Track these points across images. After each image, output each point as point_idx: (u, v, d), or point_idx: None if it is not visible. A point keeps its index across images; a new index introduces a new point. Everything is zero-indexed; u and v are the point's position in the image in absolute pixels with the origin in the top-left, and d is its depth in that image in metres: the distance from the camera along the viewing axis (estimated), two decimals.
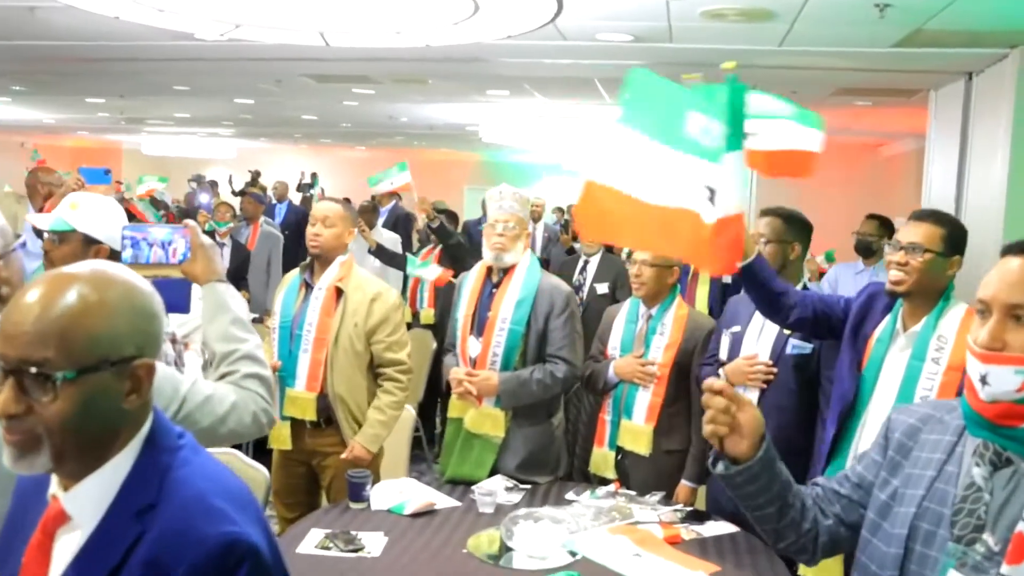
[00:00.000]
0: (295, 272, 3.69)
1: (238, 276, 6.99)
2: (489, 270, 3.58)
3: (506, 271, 3.51)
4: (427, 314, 6.55)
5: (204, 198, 10.38)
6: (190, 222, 2.25)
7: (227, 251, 7.21)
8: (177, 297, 2.21)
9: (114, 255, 2.88)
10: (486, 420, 3.44)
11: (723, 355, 3.34)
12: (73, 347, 1.18)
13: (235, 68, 7.22)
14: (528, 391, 3.41)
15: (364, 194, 12.82)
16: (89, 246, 2.76)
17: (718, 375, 3.25)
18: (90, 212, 2.77)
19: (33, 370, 1.16)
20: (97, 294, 1.22)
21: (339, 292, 3.50)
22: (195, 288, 2.24)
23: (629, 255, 7.10)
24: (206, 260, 2.15)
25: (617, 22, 4.60)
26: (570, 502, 3.22)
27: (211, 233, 6.99)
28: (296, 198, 12.17)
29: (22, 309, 1.19)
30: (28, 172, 5.42)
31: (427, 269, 5.98)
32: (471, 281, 3.61)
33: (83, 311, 1.20)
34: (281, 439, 3.56)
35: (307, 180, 13.03)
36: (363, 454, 3.44)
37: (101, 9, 4.32)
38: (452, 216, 7.29)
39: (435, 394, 6.35)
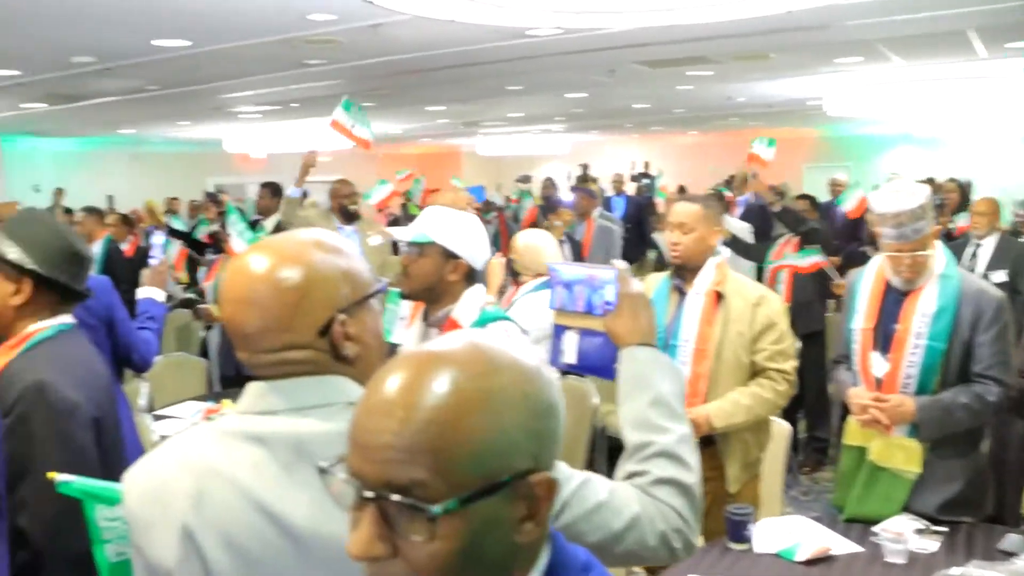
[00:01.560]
0: (662, 276, 3.35)
1: None
2: None
3: None
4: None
5: (564, 196, 10.42)
6: (621, 263, 1.73)
7: (567, 248, 7.13)
8: (599, 357, 1.73)
9: (472, 274, 2.72)
10: (897, 452, 2.86)
11: None
12: (453, 465, 0.84)
13: (567, 62, 7.18)
14: (952, 420, 2.79)
15: (700, 181, 12.42)
16: (447, 260, 2.65)
17: None
18: (450, 225, 2.67)
19: (399, 498, 0.84)
20: (478, 383, 0.87)
21: (718, 297, 3.12)
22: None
23: None
24: (631, 316, 1.62)
25: None
26: (1007, 555, 2.59)
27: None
28: (630, 189, 12.00)
29: (380, 408, 0.86)
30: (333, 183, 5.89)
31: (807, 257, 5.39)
32: (868, 284, 3.02)
33: (462, 410, 0.85)
34: None
35: (640, 170, 12.87)
36: (701, 421, 2.95)
37: (440, 14, 4.28)
38: (812, 200, 6.67)
39: (798, 396, 5.81)
